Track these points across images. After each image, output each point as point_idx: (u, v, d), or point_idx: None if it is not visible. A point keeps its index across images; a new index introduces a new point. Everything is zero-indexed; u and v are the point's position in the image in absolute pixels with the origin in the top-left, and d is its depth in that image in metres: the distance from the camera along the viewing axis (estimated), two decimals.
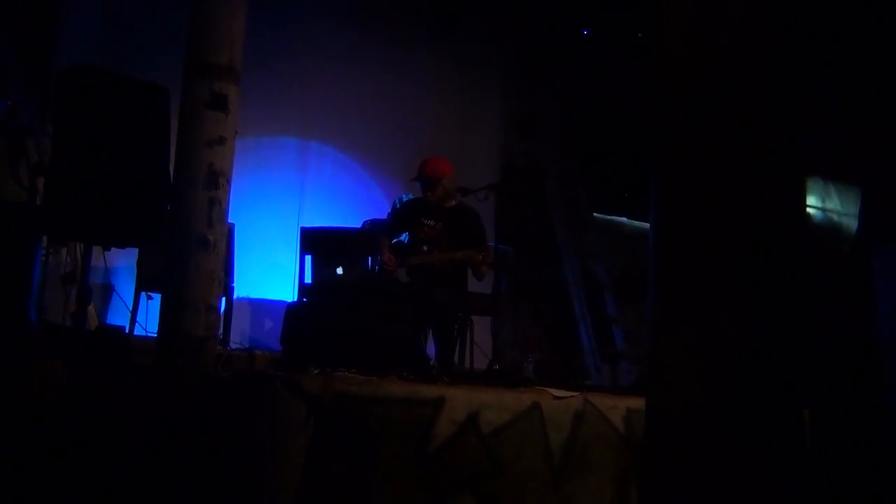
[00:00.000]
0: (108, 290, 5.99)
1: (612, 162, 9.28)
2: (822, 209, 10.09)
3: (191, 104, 4.08)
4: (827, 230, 9.87)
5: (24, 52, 5.50)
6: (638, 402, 3.71)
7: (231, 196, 4.16)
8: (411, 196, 6.34)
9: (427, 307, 5.13)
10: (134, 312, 5.42)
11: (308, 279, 6.21)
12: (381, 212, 7.05)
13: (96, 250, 4.41)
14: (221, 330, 4.97)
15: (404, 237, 5.70)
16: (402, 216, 5.80)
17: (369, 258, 6.05)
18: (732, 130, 2.24)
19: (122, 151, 3.89)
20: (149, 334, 5.10)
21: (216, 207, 4.03)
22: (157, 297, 4.35)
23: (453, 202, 5.51)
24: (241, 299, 6.69)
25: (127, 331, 4.97)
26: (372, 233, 6.38)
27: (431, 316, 5.23)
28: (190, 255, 3.97)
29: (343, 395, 3.35)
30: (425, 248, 5.42)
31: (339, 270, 6.20)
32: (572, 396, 3.81)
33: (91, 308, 5.09)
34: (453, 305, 5.33)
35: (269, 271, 7.12)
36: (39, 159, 4.84)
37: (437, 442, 3.44)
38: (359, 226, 6.79)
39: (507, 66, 8.85)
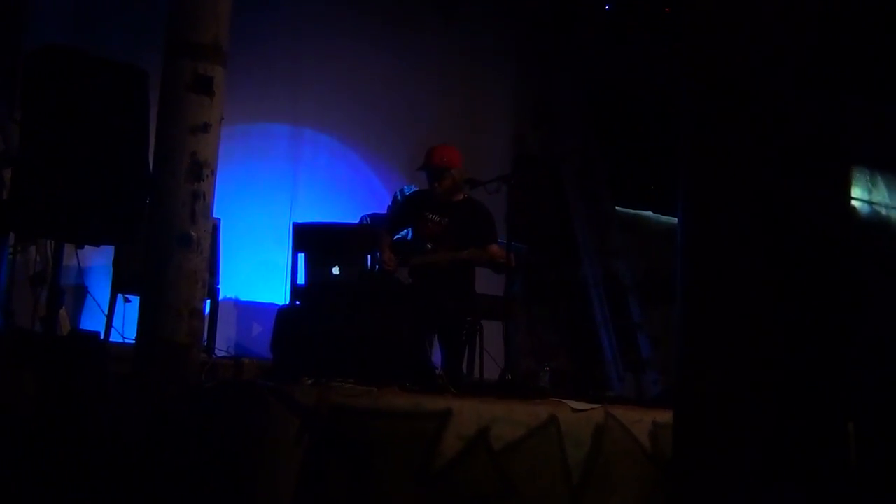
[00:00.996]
0: (81, 292, 6.00)
1: (635, 151, 9.24)
2: (869, 202, 10.07)
3: (172, 87, 4.09)
4: (874, 225, 9.85)
5: None
6: (665, 416, 3.71)
7: (216, 189, 4.17)
8: (414, 188, 6.35)
9: (432, 311, 5.13)
10: (110, 317, 5.43)
11: (301, 280, 6.22)
12: (381, 205, 7.06)
13: (68, 248, 4.40)
14: (206, 336, 4.98)
15: (407, 233, 5.70)
16: (404, 210, 5.80)
17: (368, 256, 6.05)
18: (769, 119, 2.23)
19: (97, 139, 3.89)
20: (126, 340, 5.11)
21: (200, 201, 4.04)
22: (136, 299, 4.36)
23: (461, 196, 5.49)
24: (227, 302, 6.70)
25: (102, 337, 4.98)
26: (371, 229, 6.39)
27: (437, 320, 5.23)
28: (171, 253, 3.98)
29: (340, 407, 3.36)
30: (429, 245, 5.42)
31: (336, 270, 6.21)
32: (593, 409, 3.81)
33: (63, 312, 5.10)
34: (461, 309, 5.33)
35: (258, 271, 7.12)
36: (6, 148, 4.86)
37: (444, 459, 3.45)
38: (356, 221, 6.80)
39: (520, 46, 8.83)
